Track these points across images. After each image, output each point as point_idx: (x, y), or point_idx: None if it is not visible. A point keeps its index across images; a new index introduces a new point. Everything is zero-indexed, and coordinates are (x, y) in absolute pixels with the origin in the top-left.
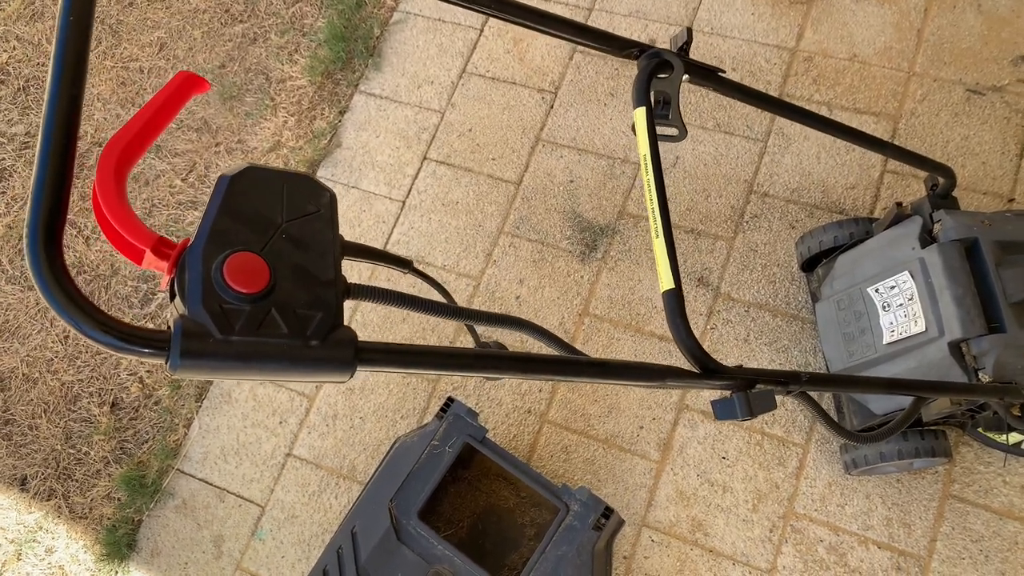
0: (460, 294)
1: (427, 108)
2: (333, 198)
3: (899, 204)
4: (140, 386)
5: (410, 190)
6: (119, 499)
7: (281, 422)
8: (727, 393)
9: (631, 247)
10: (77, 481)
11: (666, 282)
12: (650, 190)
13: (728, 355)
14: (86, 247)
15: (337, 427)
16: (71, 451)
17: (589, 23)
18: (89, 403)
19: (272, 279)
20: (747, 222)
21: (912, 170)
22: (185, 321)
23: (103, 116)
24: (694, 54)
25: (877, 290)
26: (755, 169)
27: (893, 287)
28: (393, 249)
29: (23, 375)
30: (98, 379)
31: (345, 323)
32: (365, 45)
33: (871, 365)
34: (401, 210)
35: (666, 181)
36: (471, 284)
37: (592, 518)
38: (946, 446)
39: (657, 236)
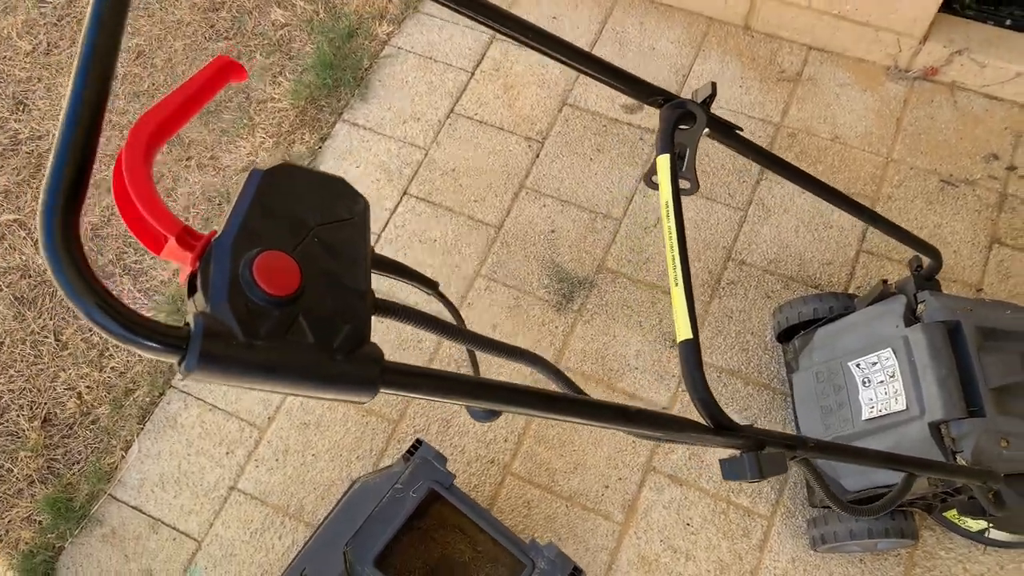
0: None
1: (411, 144)
2: (367, 206)
3: (884, 281)
4: (78, 402)
5: (387, 223)
6: (41, 522)
7: (228, 452)
8: (736, 452)
9: (608, 302)
10: None
11: (683, 332)
12: (670, 237)
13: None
14: (33, 251)
15: (287, 462)
16: None
17: (581, 81)
18: (18, 416)
19: (303, 283)
20: (723, 288)
21: (887, 252)
22: (208, 319)
23: None
24: None
25: (858, 365)
26: (734, 237)
27: (875, 363)
28: None
29: None
30: (31, 391)
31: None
32: (353, 75)
33: (848, 440)
34: (376, 243)
35: (646, 241)
36: None
37: None
38: (913, 528)
39: (676, 284)
